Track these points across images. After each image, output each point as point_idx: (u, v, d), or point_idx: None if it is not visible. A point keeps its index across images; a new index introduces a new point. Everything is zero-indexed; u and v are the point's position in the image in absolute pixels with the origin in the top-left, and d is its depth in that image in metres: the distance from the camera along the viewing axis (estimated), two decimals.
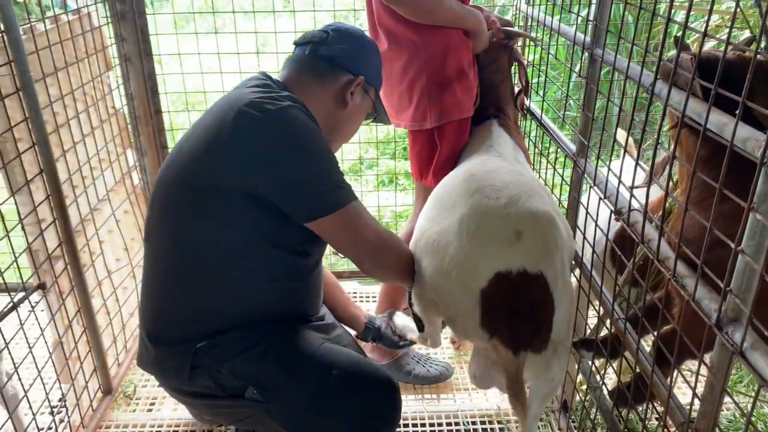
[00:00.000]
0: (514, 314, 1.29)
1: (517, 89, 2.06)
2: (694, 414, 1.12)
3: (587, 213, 1.59)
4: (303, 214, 1.35)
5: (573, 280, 1.83)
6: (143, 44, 2.31)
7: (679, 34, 1.15)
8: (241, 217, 1.34)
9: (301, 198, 1.33)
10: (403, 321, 1.86)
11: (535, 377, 1.45)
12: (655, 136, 1.21)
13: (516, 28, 2.06)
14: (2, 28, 1.53)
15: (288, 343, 1.43)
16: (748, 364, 0.92)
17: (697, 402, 1.09)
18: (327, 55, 1.50)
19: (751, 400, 2.01)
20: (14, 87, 1.58)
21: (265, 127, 1.31)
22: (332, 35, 1.52)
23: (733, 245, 0.94)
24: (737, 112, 0.93)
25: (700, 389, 1.09)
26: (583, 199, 1.71)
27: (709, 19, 1.18)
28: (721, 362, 1.01)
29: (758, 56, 1.08)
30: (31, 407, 1.63)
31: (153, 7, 2.42)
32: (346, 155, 4.10)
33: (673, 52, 1.37)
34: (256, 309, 1.45)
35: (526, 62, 2.10)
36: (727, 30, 2.83)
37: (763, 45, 1.48)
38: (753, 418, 1.90)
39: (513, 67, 2.05)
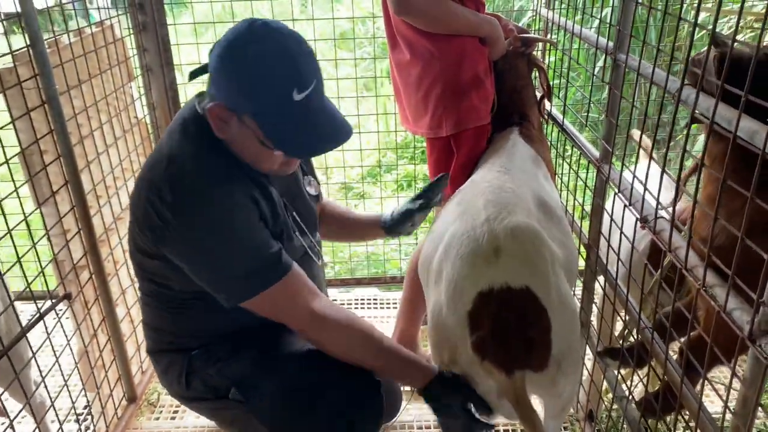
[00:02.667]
0: (501, 331, 1.23)
1: (539, 94, 2.04)
2: (725, 424, 1.10)
3: (612, 220, 1.57)
4: (223, 299, 1.34)
5: (597, 287, 1.81)
6: (164, 54, 2.33)
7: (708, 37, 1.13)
8: (182, 273, 1.34)
9: (219, 286, 1.32)
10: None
11: (544, 395, 1.41)
12: (683, 143, 1.19)
13: (533, 34, 2.04)
14: (28, 42, 1.55)
15: (270, 345, 1.46)
16: None
17: (728, 415, 1.07)
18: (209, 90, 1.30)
19: None
20: (40, 100, 1.60)
21: (176, 219, 1.26)
22: (210, 55, 1.27)
23: (766, 257, 0.92)
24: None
25: (731, 400, 1.07)
26: (609, 206, 1.68)
27: (738, 21, 1.15)
28: (755, 375, 0.99)
29: None
30: (57, 415, 1.65)
31: (173, 14, 2.44)
32: (365, 160, 4.10)
33: (699, 52, 1.34)
34: (236, 326, 1.46)
35: (545, 66, 2.09)
36: (756, 31, 2.78)
37: None
38: None
39: (534, 72, 2.03)
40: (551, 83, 2.14)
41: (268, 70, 1.21)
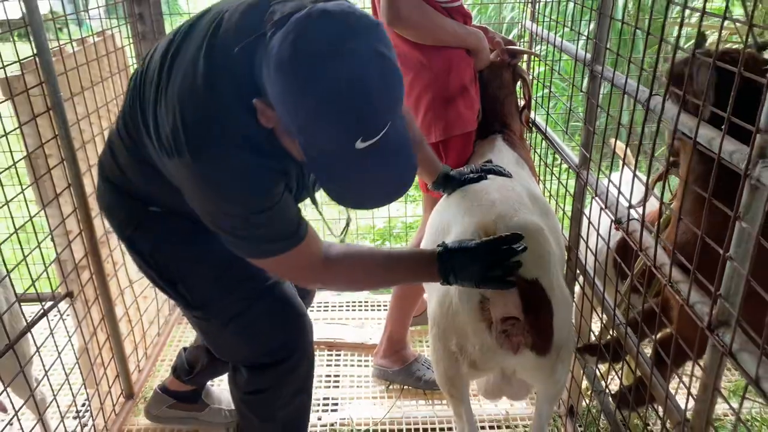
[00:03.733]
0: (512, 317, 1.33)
1: (522, 104, 2.13)
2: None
3: (590, 223, 1.65)
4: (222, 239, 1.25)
5: (576, 288, 1.89)
6: None
7: (685, 45, 1.22)
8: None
9: (225, 240, 1.24)
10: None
11: (542, 380, 1.50)
12: (651, 151, 1.28)
13: (519, 46, 2.14)
14: (35, 51, 1.63)
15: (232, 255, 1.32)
16: (737, 363, 0.98)
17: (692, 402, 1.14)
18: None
19: (756, 405, 2.05)
20: (45, 106, 1.68)
21: (193, 169, 1.13)
22: (270, 35, 1.00)
23: (721, 251, 1.01)
24: (723, 126, 1.00)
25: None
26: (593, 209, 1.76)
27: (700, 25, 1.24)
28: (713, 362, 1.07)
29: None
30: (59, 409, 1.71)
31: (171, 23, 2.52)
32: None
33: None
34: None
35: (530, 77, 2.18)
36: (735, 44, 2.89)
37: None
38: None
39: (518, 83, 2.12)
40: (534, 94, 2.23)
41: (333, 110, 0.95)
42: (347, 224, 1.44)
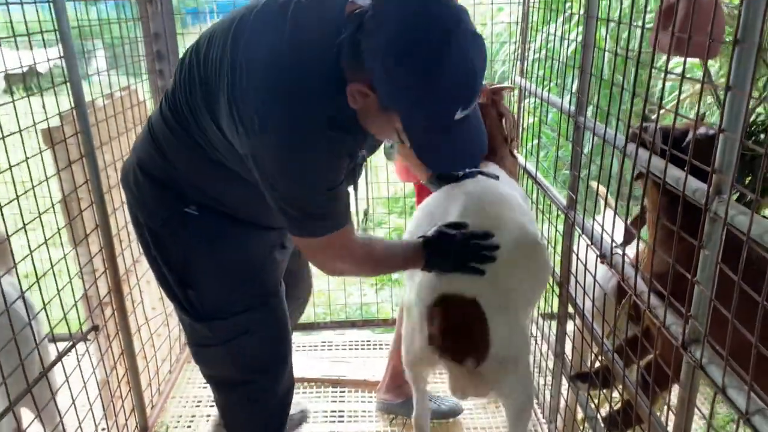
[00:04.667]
0: (451, 331, 1.45)
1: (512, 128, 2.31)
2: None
3: (578, 259, 1.80)
4: (281, 221, 1.33)
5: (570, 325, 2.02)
6: None
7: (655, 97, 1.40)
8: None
9: (284, 217, 1.32)
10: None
11: (495, 388, 1.61)
12: (628, 194, 1.44)
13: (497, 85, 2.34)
14: (73, 105, 1.80)
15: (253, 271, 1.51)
16: (706, 375, 1.11)
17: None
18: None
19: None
20: (79, 154, 1.84)
21: (276, 147, 1.21)
22: (371, 22, 1.10)
23: (689, 276, 1.15)
24: (686, 168, 1.16)
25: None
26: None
27: (664, 81, 1.42)
28: (687, 377, 1.20)
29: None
30: None
31: None
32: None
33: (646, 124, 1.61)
34: (245, 215, 1.46)
35: (510, 112, 2.36)
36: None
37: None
38: None
39: (503, 120, 2.30)
40: (524, 143, 2.41)
41: (446, 89, 1.09)
42: (365, 214, 1.62)
